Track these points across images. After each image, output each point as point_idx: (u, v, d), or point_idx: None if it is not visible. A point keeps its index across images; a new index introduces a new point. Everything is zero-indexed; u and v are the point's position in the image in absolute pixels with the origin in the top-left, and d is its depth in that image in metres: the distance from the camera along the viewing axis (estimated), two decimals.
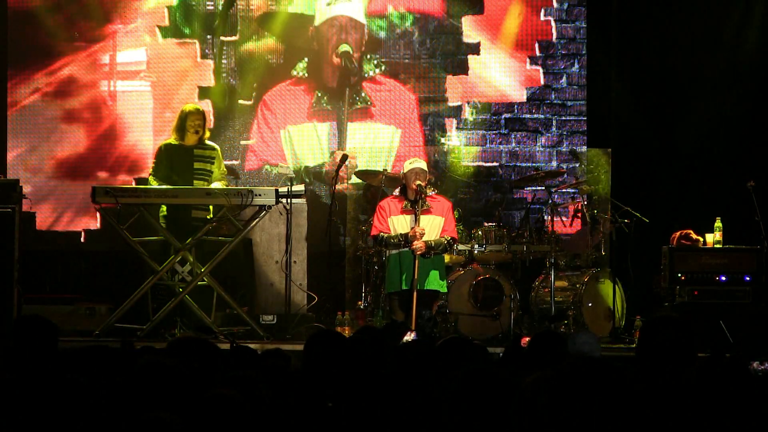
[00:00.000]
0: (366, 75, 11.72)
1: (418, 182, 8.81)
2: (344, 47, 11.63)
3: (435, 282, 8.90)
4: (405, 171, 8.94)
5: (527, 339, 7.24)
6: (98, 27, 11.69)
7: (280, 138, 11.68)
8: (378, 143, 11.59)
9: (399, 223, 8.88)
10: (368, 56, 11.72)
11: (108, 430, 3.59)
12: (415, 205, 8.84)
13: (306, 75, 11.72)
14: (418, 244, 8.72)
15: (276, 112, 11.70)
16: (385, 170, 10.23)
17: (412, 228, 8.79)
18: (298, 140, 11.68)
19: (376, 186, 9.97)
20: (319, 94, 11.71)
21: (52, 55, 11.70)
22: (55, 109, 11.72)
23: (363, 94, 11.71)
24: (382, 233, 8.87)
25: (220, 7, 11.72)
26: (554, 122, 11.60)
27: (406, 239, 8.77)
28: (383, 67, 11.71)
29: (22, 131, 11.72)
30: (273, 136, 11.69)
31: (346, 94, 11.66)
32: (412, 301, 8.64)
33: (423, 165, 8.95)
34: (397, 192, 9.06)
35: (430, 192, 8.97)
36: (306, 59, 11.73)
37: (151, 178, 9.54)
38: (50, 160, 11.69)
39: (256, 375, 4.08)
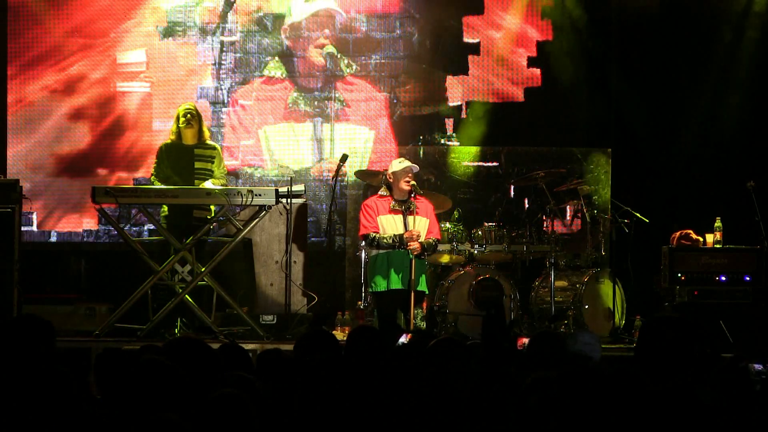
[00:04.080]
0: (338, 74, 11.70)
1: (413, 182, 8.84)
2: (329, 48, 11.62)
3: (423, 283, 8.98)
4: (394, 170, 8.93)
5: (524, 340, 7.25)
6: (98, 28, 11.69)
7: (258, 138, 11.67)
8: (354, 144, 11.57)
9: (387, 223, 8.89)
10: (339, 55, 11.70)
11: (113, 430, 3.60)
12: (404, 204, 8.86)
13: (281, 75, 11.70)
14: (414, 245, 8.74)
15: (251, 112, 11.69)
16: (386, 170, 10.23)
17: (408, 230, 8.79)
18: (275, 141, 11.67)
19: (376, 186, 9.96)
20: (295, 95, 11.70)
21: (54, 53, 11.70)
22: (57, 107, 11.73)
23: (337, 95, 11.70)
24: (373, 233, 8.87)
25: (220, 8, 11.72)
26: (554, 122, 11.59)
27: (401, 240, 8.77)
28: (354, 67, 11.69)
29: (25, 129, 11.73)
30: (249, 136, 11.68)
31: (333, 96, 11.65)
32: (410, 301, 8.68)
33: (413, 165, 8.96)
34: (382, 191, 9.04)
35: (413, 192, 8.98)
36: (276, 58, 11.72)
37: (153, 179, 9.55)
38: (51, 157, 11.69)
39: (253, 375, 4.09)
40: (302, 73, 11.72)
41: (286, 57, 11.74)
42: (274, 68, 11.72)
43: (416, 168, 8.98)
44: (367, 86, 11.70)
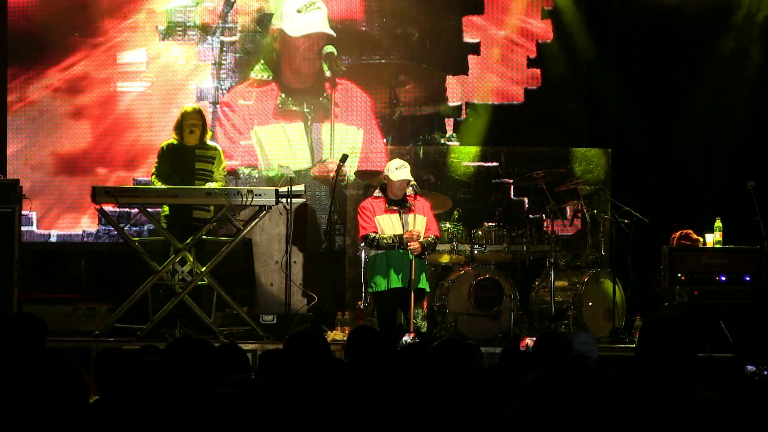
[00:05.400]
0: (326, 75, 11.68)
1: (413, 182, 8.86)
2: (328, 48, 11.60)
3: (423, 282, 8.99)
4: (389, 176, 8.90)
5: (527, 340, 7.24)
6: (98, 27, 11.70)
7: (251, 139, 11.66)
8: (345, 143, 11.56)
9: (384, 223, 8.89)
10: (337, 54, 11.69)
11: (113, 430, 3.60)
12: (401, 205, 8.87)
13: (267, 77, 11.68)
14: (414, 245, 8.75)
15: (241, 113, 11.68)
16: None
17: (408, 230, 8.80)
18: (268, 142, 11.66)
19: (376, 186, 9.97)
20: (284, 96, 11.68)
21: (54, 53, 11.72)
22: (58, 107, 11.74)
23: (325, 94, 11.69)
24: (372, 233, 8.88)
25: (220, 8, 11.72)
26: (554, 122, 11.59)
27: (401, 241, 8.78)
28: (343, 68, 11.68)
29: (25, 128, 11.74)
30: (242, 137, 11.68)
31: (333, 96, 11.63)
32: (410, 300, 8.68)
33: (409, 171, 8.95)
34: (377, 193, 9.04)
35: (409, 192, 8.99)
36: (262, 60, 11.72)
37: (153, 178, 9.55)
38: (51, 156, 11.70)
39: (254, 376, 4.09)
40: (292, 74, 11.70)
41: (276, 58, 11.71)
42: (262, 71, 11.71)
43: (412, 182, 8.97)
44: (353, 87, 11.69)
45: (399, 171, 8.89)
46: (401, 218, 8.86)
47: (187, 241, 9.15)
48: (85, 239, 11.70)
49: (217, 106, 11.70)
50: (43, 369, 3.71)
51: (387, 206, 8.93)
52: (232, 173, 11.32)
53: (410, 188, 8.93)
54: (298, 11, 11.68)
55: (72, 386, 3.68)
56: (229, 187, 9.52)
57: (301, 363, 4.57)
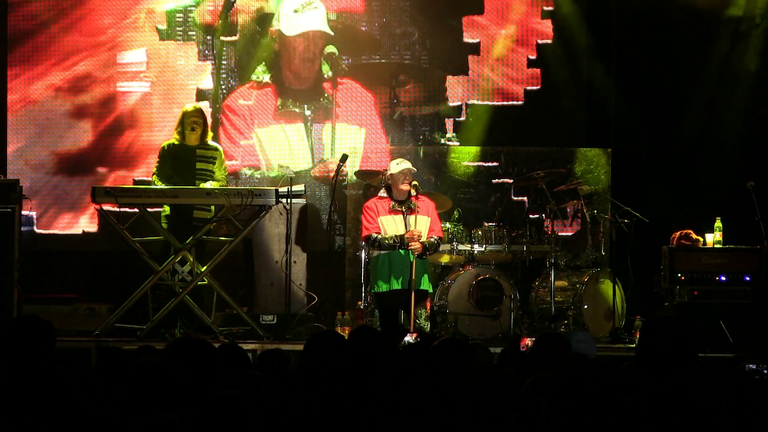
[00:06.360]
0: (325, 76, 11.68)
1: (415, 182, 8.85)
2: (330, 48, 11.60)
3: (425, 282, 8.96)
4: (392, 172, 8.92)
5: (527, 340, 7.24)
6: (99, 27, 11.70)
7: (252, 140, 11.67)
8: (346, 143, 11.55)
9: (388, 223, 8.89)
10: (338, 55, 11.69)
11: (112, 430, 3.61)
12: (403, 205, 8.87)
13: (268, 79, 11.68)
14: (415, 245, 8.74)
15: (243, 115, 11.67)
16: (385, 170, 10.24)
17: (409, 230, 8.80)
18: (268, 143, 11.66)
19: (377, 186, 9.97)
20: (284, 97, 11.68)
21: (54, 53, 11.72)
22: (58, 106, 11.74)
23: (326, 95, 11.69)
24: (374, 234, 8.88)
25: (220, 8, 11.72)
26: (554, 122, 11.58)
27: (402, 241, 8.78)
28: (343, 68, 11.68)
29: (25, 127, 11.74)
30: (242, 137, 11.67)
31: (334, 97, 11.62)
32: (411, 301, 8.69)
33: (410, 165, 8.96)
34: (382, 193, 9.05)
35: (413, 192, 8.99)
36: (264, 63, 11.72)
37: (154, 178, 9.55)
38: (51, 156, 11.70)
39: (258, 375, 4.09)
40: (292, 75, 11.70)
41: (275, 59, 11.70)
42: (262, 73, 11.71)
43: (414, 170, 8.97)
44: (356, 86, 11.69)
45: (400, 164, 8.91)
46: (404, 219, 8.86)
47: (187, 241, 9.15)
48: (85, 239, 11.70)
49: (218, 106, 11.70)
50: (45, 370, 3.71)
51: (391, 207, 8.93)
52: (234, 174, 11.32)
53: (413, 189, 8.91)
54: (295, 11, 11.67)
55: (73, 386, 3.69)
56: (230, 187, 9.52)
57: (302, 363, 4.58)
